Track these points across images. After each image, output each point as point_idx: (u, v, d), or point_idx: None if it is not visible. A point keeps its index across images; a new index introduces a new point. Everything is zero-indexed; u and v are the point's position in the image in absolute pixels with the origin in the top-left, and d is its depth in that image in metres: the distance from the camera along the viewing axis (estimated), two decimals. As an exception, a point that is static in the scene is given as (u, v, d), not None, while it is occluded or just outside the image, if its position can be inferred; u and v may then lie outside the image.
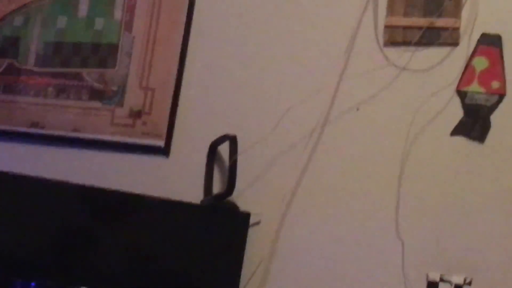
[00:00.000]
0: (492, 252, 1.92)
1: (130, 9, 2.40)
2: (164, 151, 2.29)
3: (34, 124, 2.44)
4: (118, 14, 2.41)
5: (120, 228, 2.06)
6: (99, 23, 2.43)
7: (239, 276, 2.06)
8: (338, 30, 2.16)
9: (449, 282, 1.93)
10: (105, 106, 2.38)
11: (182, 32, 2.31)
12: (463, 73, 2.03)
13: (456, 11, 2.06)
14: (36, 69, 2.49)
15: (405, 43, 2.08)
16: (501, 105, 1.98)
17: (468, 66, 2.03)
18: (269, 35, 2.25)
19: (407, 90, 2.07)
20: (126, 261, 2.05)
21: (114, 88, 2.38)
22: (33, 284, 2.03)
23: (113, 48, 2.40)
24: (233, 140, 2.10)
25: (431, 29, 2.06)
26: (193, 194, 2.20)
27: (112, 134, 2.35)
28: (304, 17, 2.22)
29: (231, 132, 2.15)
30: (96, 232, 2.08)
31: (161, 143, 2.29)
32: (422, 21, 2.07)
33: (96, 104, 2.39)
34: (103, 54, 2.40)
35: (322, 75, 2.15)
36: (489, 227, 1.94)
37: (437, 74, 2.04)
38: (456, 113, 2.02)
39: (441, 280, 1.94)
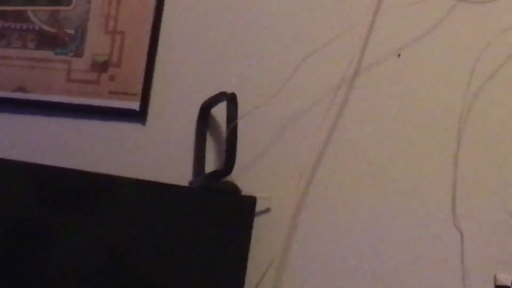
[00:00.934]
0: None
1: None
2: (140, 116, 2.11)
3: (-36, 82, 2.28)
4: None
5: (86, 220, 1.88)
6: None
7: (243, 281, 1.87)
8: None
9: None
10: (59, 57, 2.20)
11: (160, -49, 2.15)
12: None
13: None
14: (-38, 6, 2.33)
15: (463, -38, 1.89)
16: None
17: None
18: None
19: (466, 27, 1.88)
20: (94, 261, 1.86)
21: (71, 32, 2.20)
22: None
23: (68, -23, 2.24)
24: (232, 100, 1.90)
25: None
26: (179, 172, 2.05)
27: (68, 93, 2.17)
28: None
29: (229, 89, 1.94)
30: (53, 225, 1.88)
31: (135, 105, 2.11)
32: None
33: (47, 53, 2.21)
34: None
35: (350, 9, 1.97)
36: None
37: (506, 4, 1.85)
38: None
39: None
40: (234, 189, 1.93)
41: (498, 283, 1.75)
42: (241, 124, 1.90)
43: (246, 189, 1.93)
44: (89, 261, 1.87)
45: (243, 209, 1.90)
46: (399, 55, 1.91)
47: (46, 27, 2.22)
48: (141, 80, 2.11)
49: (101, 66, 2.15)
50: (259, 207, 1.91)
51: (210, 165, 2.05)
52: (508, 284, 1.74)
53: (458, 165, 1.83)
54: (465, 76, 1.83)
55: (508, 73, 1.83)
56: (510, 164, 1.80)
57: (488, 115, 1.83)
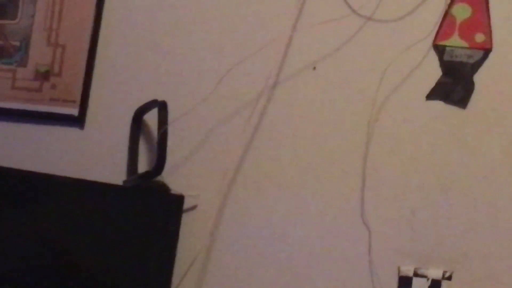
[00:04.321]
0: (476, 242, 1.84)
1: None
2: (78, 121, 2.14)
3: None
4: (19, -51, 2.25)
5: (24, 216, 1.93)
6: (-6, -39, 2.25)
7: (171, 272, 1.94)
8: (290, -29, 2.03)
9: (425, 276, 1.84)
10: (4, 66, 2.22)
11: (99, -29, 2.16)
12: (441, 23, 1.93)
13: None
14: None
15: (371, -14, 1.97)
16: (486, 63, 1.89)
17: (447, 15, 1.93)
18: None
19: (373, 44, 1.96)
20: (31, 258, 1.92)
21: (16, 44, 2.21)
22: None
23: (14, -5, 2.23)
24: (162, 107, 1.96)
25: (402, -31, 1.95)
26: (114, 173, 2.08)
27: (13, 100, 2.19)
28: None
29: (160, 97, 2.00)
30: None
31: (74, 111, 2.14)
32: (391, -40, 1.96)
33: None
34: (1, 1, 2.23)
35: (271, 26, 2.03)
36: (473, 211, 1.85)
37: (409, 25, 1.94)
38: (433, 72, 1.92)
39: (416, 274, 1.85)
40: (164, 188, 1.97)
41: (402, 274, 1.84)
42: (171, 128, 1.95)
43: (175, 188, 1.98)
44: (29, 255, 1.89)
45: (172, 206, 1.95)
46: (314, 68, 1.98)
47: (-8, 39, 2.21)
48: (80, 88, 2.13)
49: (43, 75, 2.16)
50: (186, 204, 1.97)
51: (143, 166, 2.08)
52: (410, 275, 1.83)
53: (367, 168, 1.90)
54: (373, 87, 1.91)
55: (411, 85, 1.90)
56: (413, 167, 1.88)
57: (394, 122, 1.91)
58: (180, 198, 1.97)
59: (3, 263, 1.89)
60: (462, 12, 1.91)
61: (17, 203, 1.94)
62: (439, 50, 1.91)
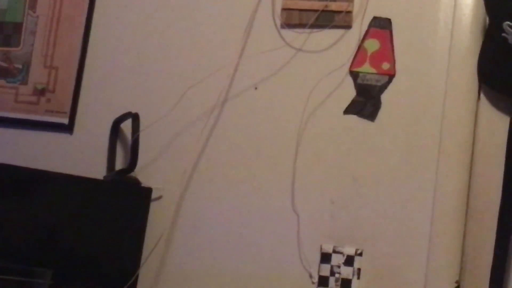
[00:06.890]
0: (381, 226, 1.98)
1: (34, -12, 2.29)
2: (68, 128, 2.28)
3: None
4: (22, -8, 2.31)
5: (22, 204, 1.97)
6: (3, 2, 2.37)
7: (141, 250, 2.06)
8: (237, 11, 2.16)
9: (341, 253, 1.98)
10: (9, 84, 2.35)
11: (85, 11, 2.30)
12: (356, 54, 2.06)
13: (349, -5, 2.01)
14: None
15: (301, 25, 2.10)
16: (390, 85, 2.02)
17: (360, 48, 2.06)
18: (171, 15, 2.24)
19: (302, 70, 2.09)
20: (28, 237, 1.96)
21: (19, 66, 2.33)
22: None
23: (17, 27, 2.35)
24: (135, 118, 2.10)
25: (325, 12, 2.07)
26: (97, 170, 2.19)
27: (16, 111, 2.32)
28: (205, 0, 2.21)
29: (134, 109, 2.14)
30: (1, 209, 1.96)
31: (65, 120, 2.28)
32: (317, 4, 2.08)
33: (0, 82, 2.36)
34: (7, 32, 2.36)
35: (222, 55, 2.15)
36: (379, 201, 1.99)
37: (331, 55, 2.07)
38: (349, 92, 2.05)
39: (334, 251, 1.98)
40: (136, 182, 2.09)
41: (323, 251, 1.98)
42: (142, 134, 2.08)
43: (144, 182, 2.12)
44: (27, 235, 1.95)
45: (142, 196, 2.07)
46: (256, 88, 2.12)
47: (0, 63, 2.34)
48: (70, 102, 2.25)
49: (40, 92, 2.29)
50: (154, 195, 2.10)
51: (119, 164, 2.19)
52: (330, 251, 1.98)
53: (296, 167, 2.04)
54: (302, 103, 2.04)
55: (332, 102, 2.04)
56: (332, 167, 2.02)
57: (318, 131, 2.05)
58: (148, 190, 2.09)
59: (7, 242, 1.90)
60: (372, 45, 2.05)
61: (18, 193, 1.96)
62: (354, 75, 2.04)
